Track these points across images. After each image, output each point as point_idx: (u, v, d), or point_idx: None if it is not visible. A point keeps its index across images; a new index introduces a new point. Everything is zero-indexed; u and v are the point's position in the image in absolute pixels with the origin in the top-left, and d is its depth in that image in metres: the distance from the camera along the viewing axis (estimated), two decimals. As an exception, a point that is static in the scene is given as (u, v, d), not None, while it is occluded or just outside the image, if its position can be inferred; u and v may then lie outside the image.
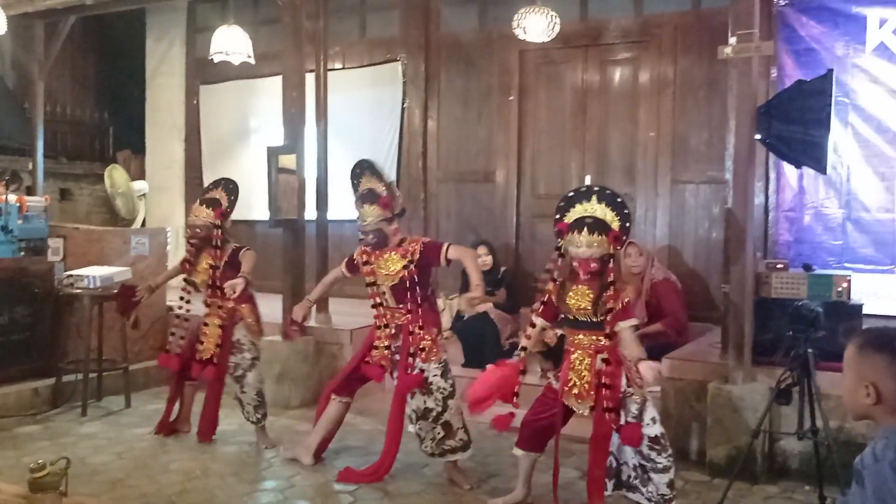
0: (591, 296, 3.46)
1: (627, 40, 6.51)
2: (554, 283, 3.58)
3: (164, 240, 6.70)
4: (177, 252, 8.27)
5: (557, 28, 5.71)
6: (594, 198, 3.62)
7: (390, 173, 7.40)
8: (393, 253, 4.11)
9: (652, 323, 5.27)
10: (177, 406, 4.90)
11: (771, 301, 4.46)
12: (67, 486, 2.05)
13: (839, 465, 3.45)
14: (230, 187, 4.88)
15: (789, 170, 5.43)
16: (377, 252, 4.13)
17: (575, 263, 3.51)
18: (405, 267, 4.05)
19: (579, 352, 3.54)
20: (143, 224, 8.41)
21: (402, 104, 7.38)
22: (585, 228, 3.46)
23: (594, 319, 3.48)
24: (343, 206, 7.05)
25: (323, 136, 6.51)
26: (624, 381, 3.46)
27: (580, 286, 3.50)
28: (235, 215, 8.06)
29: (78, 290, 5.38)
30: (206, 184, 8.49)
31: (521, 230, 6.98)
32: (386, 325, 4.16)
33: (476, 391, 3.65)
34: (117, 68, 9.77)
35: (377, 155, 7.51)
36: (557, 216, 3.67)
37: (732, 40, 4.35)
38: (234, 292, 4.42)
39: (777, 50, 5.34)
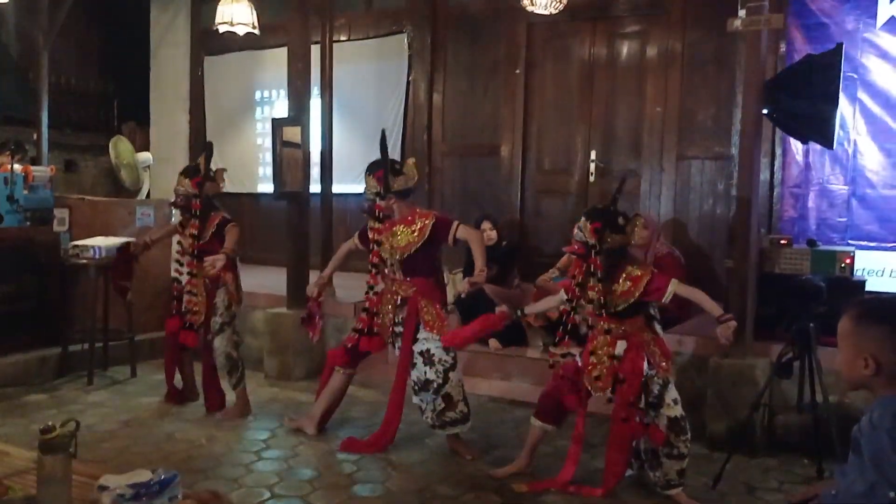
0: (600, 286, 3.54)
1: (636, 13, 6.45)
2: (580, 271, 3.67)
3: (169, 211, 6.70)
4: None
5: (565, 0, 5.66)
6: None
7: (395, 146, 7.40)
8: (402, 226, 4.13)
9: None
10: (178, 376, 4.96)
11: (774, 276, 4.47)
12: (77, 448, 2.07)
13: (838, 438, 3.48)
14: (207, 153, 4.84)
15: (795, 146, 5.40)
16: (386, 224, 4.16)
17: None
18: (414, 240, 4.08)
19: (602, 336, 3.59)
20: (148, 195, 8.41)
21: (408, 77, 7.34)
22: (584, 215, 3.68)
23: (612, 309, 3.54)
24: (347, 178, 7.09)
25: (328, 108, 6.50)
26: (646, 365, 3.49)
27: (592, 279, 3.58)
28: (239, 188, 8.13)
29: (83, 261, 5.40)
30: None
31: (526, 205, 6.97)
32: (375, 293, 4.23)
33: (456, 332, 4.02)
34: (122, 39, 9.71)
35: (382, 128, 7.46)
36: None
37: (742, 13, 4.32)
38: (214, 267, 4.47)
39: (786, 24, 5.28)
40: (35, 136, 7.78)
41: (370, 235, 4.24)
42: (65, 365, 5.46)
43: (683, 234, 6.20)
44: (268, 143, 7.32)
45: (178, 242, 4.87)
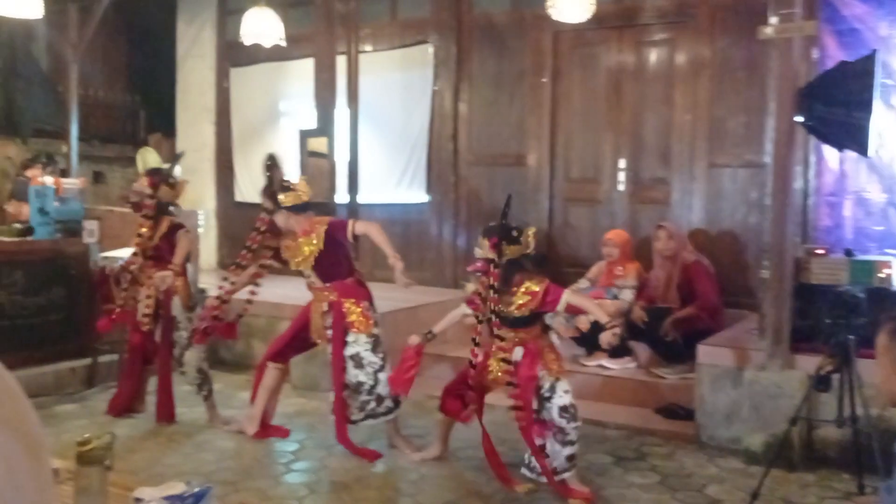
0: (523, 300, 3.76)
1: (664, 21, 6.40)
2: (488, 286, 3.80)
3: (196, 222, 6.73)
4: (208, 234, 8.34)
5: (592, 8, 5.62)
6: None
7: (420, 156, 7.40)
8: (302, 237, 4.30)
9: (685, 306, 5.23)
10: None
11: (810, 287, 4.38)
12: (113, 461, 2.06)
13: (879, 453, 3.39)
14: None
15: (830, 154, 5.31)
16: (293, 238, 4.33)
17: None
18: (313, 248, 4.25)
19: (499, 343, 3.79)
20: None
21: (433, 87, 7.33)
22: (482, 233, 3.85)
23: (509, 319, 3.76)
24: (374, 188, 7.09)
25: (354, 119, 6.49)
26: (538, 368, 3.75)
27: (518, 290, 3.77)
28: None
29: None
30: (235, 166, 8.57)
31: (554, 214, 6.92)
32: (315, 304, 4.35)
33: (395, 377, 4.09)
34: (149, 51, 9.82)
35: (408, 138, 7.50)
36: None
37: (773, 20, 4.25)
38: (164, 284, 4.50)
39: (819, 30, 5.21)
40: (65, 149, 7.86)
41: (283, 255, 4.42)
42: (94, 375, 5.48)
43: (715, 243, 6.12)
44: (294, 153, 7.35)
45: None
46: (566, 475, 3.74)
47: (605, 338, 3.79)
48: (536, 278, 3.81)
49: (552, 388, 3.74)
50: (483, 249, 3.79)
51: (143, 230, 4.65)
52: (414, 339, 4.07)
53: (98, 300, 5.09)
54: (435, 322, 4.23)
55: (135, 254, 4.75)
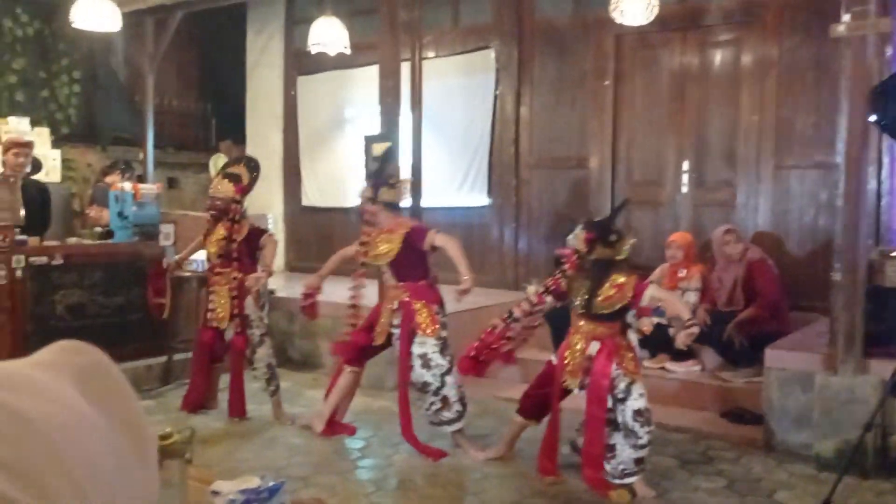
0: (585, 291, 3.79)
1: (729, 21, 6.32)
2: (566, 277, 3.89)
3: (265, 225, 6.91)
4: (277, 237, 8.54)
5: (656, 11, 5.58)
6: None
7: (482, 160, 7.45)
8: (383, 234, 4.38)
9: (749, 306, 5.16)
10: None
11: (884, 290, 4.28)
12: (192, 454, 2.16)
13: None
14: (252, 165, 4.99)
15: (904, 153, 5.17)
16: (373, 234, 4.43)
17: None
18: (392, 248, 4.33)
19: (578, 335, 3.85)
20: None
21: (495, 91, 7.38)
22: (581, 225, 3.88)
23: (593, 312, 3.78)
24: (437, 192, 7.17)
25: (417, 124, 6.59)
26: (613, 366, 3.73)
27: (583, 281, 3.81)
28: (331, 202, 8.34)
29: (187, 273, 5.64)
30: (302, 171, 8.76)
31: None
32: (386, 300, 4.45)
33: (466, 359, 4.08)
34: (220, 62, 10.14)
35: (470, 142, 7.56)
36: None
37: (845, 17, 4.17)
38: (257, 284, 4.66)
39: (893, 27, 5.07)
40: (141, 155, 8.17)
41: (360, 248, 4.50)
42: (170, 373, 5.70)
43: (783, 246, 6.01)
44: (359, 159, 7.48)
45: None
46: (632, 479, 3.73)
47: (682, 338, 3.72)
48: (625, 273, 3.79)
49: (627, 390, 3.71)
50: (577, 240, 3.80)
51: (222, 233, 4.80)
52: (497, 322, 4.06)
53: (150, 292, 5.23)
54: (522, 317, 4.22)
55: (210, 257, 4.94)
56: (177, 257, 5.22)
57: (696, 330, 3.73)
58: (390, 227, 4.38)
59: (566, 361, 3.87)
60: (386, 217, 4.39)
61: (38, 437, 0.48)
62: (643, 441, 3.68)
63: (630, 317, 3.91)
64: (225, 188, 4.80)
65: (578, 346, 3.84)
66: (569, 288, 3.88)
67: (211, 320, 4.84)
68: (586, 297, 3.78)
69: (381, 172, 4.52)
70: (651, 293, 3.75)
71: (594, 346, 3.80)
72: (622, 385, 3.72)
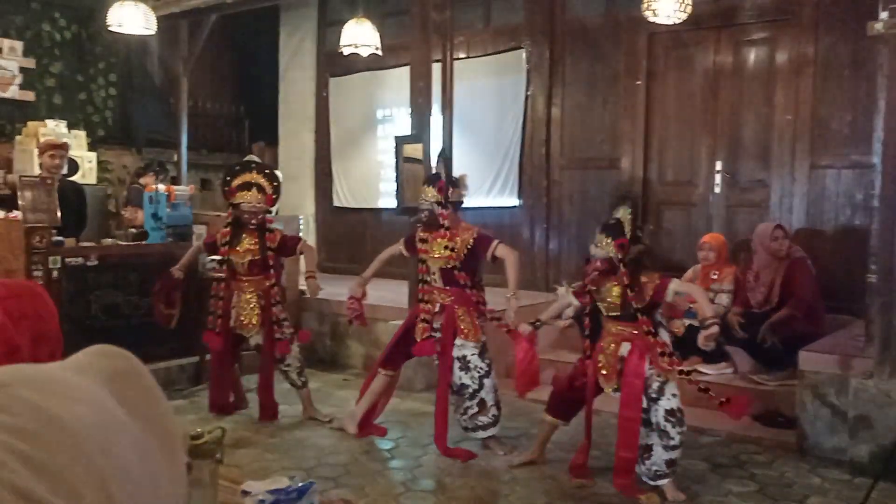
0: (617, 292, 3.76)
1: (764, 19, 6.23)
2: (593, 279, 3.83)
3: (297, 226, 6.99)
4: (307, 238, 8.61)
5: (689, 9, 5.52)
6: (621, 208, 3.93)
7: (513, 161, 7.44)
8: (442, 238, 4.31)
9: (783, 306, 5.09)
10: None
11: (922, 292, 4.19)
12: (223, 454, 2.18)
13: None
14: (270, 173, 4.97)
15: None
16: (432, 233, 4.35)
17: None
18: (451, 252, 4.26)
19: (609, 338, 3.84)
20: (277, 212, 8.80)
21: (526, 91, 7.36)
22: (602, 229, 3.81)
23: (622, 313, 3.77)
24: (467, 193, 7.16)
25: (448, 125, 6.59)
26: (647, 365, 3.70)
27: (612, 284, 3.77)
28: (362, 203, 8.40)
29: (220, 275, 5.68)
30: (334, 173, 8.82)
31: (648, 217, 6.83)
32: (427, 302, 4.40)
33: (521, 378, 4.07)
34: (253, 64, 10.24)
35: (501, 143, 7.55)
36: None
37: (884, 15, 4.09)
38: (317, 292, 4.76)
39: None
40: (175, 157, 8.29)
41: (419, 245, 4.42)
42: (202, 373, 5.76)
43: (818, 246, 5.90)
44: (390, 159, 7.52)
45: (218, 260, 5.01)
46: (664, 481, 3.70)
47: (702, 339, 3.68)
48: (646, 272, 3.79)
49: (660, 390, 3.69)
50: (608, 248, 3.74)
51: (251, 241, 4.84)
52: (525, 329, 4.04)
53: (159, 302, 5.18)
54: (548, 320, 4.22)
55: (217, 270, 4.96)
56: (178, 266, 5.13)
57: (715, 330, 3.66)
58: (455, 230, 4.33)
59: (599, 365, 3.85)
60: (453, 218, 4.36)
61: (66, 437, 0.50)
62: (675, 442, 3.65)
63: (659, 316, 3.88)
64: (255, 198, 4.80)
65: (610, 349, 3.83)
66: (597, 293, 3.85)
67: (235, 327, 4.89)
68: (618, 298, 3.76)
69: (447, 172, 4.48)
70: (674, 288, 3.74)
71: (625, 347, 3.79)
72: (655, 385, 3.70)
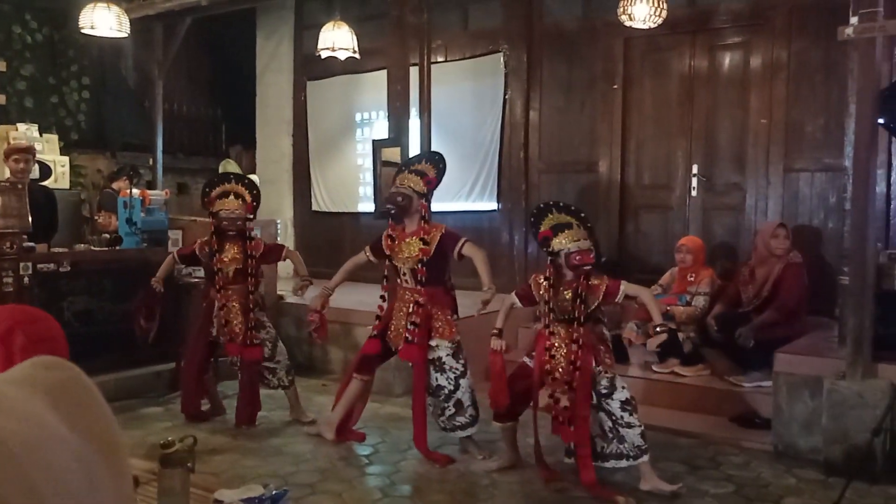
0: (570, 295, 3.82)
1: (738, 24, 6.29)
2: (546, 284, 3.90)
3: (275, 231, 6.94)
4: (285, 243, 8.56)
5: (664, 14, 5.57)
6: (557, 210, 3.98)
7: (492, 164, 7.45)
8: (413, 237, 4.33)
9: (766, 307, 5.12)
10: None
11: (893, 294, 4.25)
12: (195, 463, 2.16)
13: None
14: (248, 182, 5.08)
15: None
16: (401, 233, 4.37)
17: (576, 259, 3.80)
18: (427, 249, 4.27)
19: (558, 339, 3.86)
20: (254, 217, 8.74)
21: (504, 95, 7.38)
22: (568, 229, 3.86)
23: (571, 316, 3.81)
24: (446, 196, 7.16)
25: (426, 128, 6.60)
26: (593, 362, 3.79)
27: (566, 288, 3.84)
28: (341, 207, 8.36)
29: (196, 280, 5.65)
30: (312, 176, 8.78)
31: (626, 220, 6.86)
32: (399, 300, 4.39)
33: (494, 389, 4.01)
34: (229, 67, 10.18)
35: (479, 146, 7.56)
36: (534, 228, 4.02)
37: (853, 20, 4.14)
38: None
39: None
40: (150, 161, 8.21)
41: (387, 243, 4.43)
42: (178, 380, 5.69)
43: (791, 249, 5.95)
44: (368, 163, 7.51)
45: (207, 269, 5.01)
46: (646, 456, 3.78)
47: (651, 343, 3.82)
48: (594, 274, 3.87)
49: (611, 385, 3.80)
50: (581, 242, 3.83)
51: (236, 250, 4.84)
52: (497, 343, 3.99)
53: (139, 316, 5.12)
54: (504, 325, 4.18)
55: (216, 274, 4.89)
56: (157, 278, 5.04)
57: (664, 337, 3.96)
58: (423, 227, 4.34)
59: (549, 369, 3.85)
60: (417, 206, 4.37)
61: (1, 454, 0.49)
62: (637, 423, 3.78)
63: (601, 314, 3.97)
64: (234, 205, 4.81)
65: (561, 352, 3.84)
66: (551, 295, 3.88)
67: (225, 335, 4.86)
68: (569, 303, 3.81)
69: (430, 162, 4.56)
70: (625, 290, 3.84)
71: (572, 348, 3.84)
72: (604, 381, 3.80)
